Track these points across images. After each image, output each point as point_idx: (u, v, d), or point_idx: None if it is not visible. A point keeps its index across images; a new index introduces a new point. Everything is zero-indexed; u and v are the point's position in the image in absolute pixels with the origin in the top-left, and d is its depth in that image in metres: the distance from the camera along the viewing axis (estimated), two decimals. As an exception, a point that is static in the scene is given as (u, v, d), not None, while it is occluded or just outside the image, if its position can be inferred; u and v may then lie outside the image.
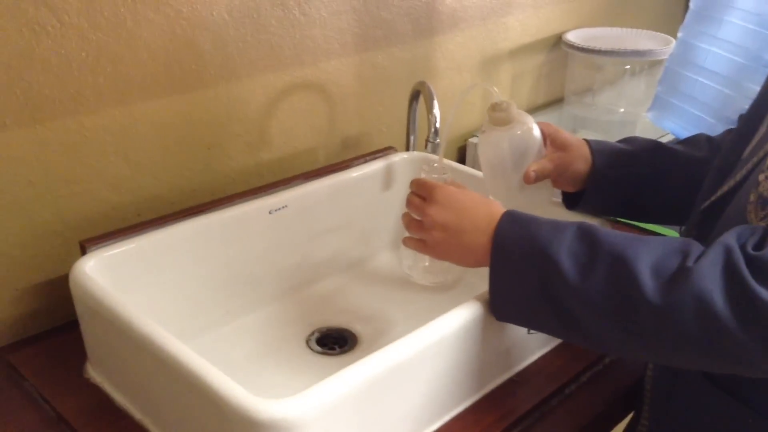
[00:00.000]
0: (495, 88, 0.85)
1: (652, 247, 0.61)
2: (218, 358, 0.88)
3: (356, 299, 1.02)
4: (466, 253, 0.73)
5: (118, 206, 0.94)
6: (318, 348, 0.92)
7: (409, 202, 0.79)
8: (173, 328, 0.71)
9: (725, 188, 0.70)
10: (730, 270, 0.56)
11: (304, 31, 1.06)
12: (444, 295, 0.96)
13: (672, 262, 0.59)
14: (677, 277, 0.58)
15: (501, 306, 0.71)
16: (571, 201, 0.92)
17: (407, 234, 0.80)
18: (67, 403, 0.78)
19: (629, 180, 0.87)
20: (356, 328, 0.96)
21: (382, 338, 0.94)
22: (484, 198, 0.75)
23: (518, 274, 0.67)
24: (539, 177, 0.84)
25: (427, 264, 0.90)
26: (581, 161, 0.87)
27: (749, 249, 0.57)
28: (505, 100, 0.83)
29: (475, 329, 0.73)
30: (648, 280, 0.59)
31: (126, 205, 0.95)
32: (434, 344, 0.70)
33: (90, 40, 0.85)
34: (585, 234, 0.65)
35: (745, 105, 0.79)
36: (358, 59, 1.16)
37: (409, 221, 0.79)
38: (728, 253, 0.57)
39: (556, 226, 0.66)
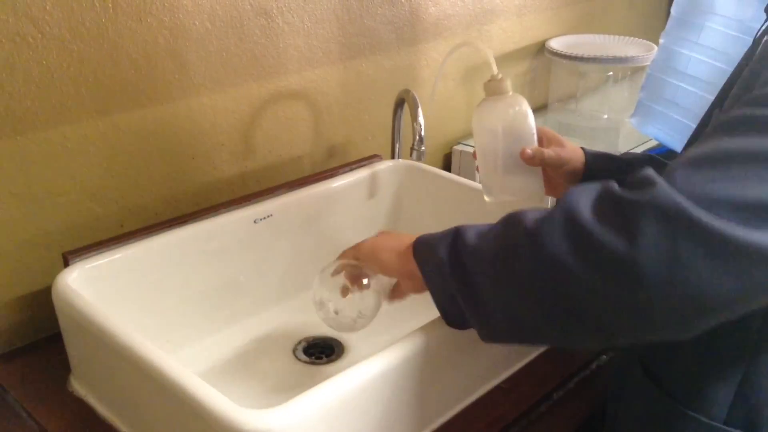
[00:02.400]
0: (487, 48, 0.83)
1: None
2: (204, 369, 0.88)
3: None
4: (393, 243, 0.74)
5: (102, 217, 0.93)
6: (305, 357, 0.92)
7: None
8: (158, 340, 0.71)
9: None
10: (602, 188, 0.57)
11: (287, 40, 1.06)
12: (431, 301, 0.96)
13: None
14: (554, 206, 0.59)
15: (430, 283, 0.69)
16: None
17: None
18: (51, 416, 0.77)
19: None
20: (343, 336, 0.96)
21: (369, 347, 0.93)
22: None
23: (434, 249, 0.67)
24: (535, 159, 0.82)
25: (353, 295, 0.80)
26: (577, 160, 0.87)
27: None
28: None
29: (460, 337, 0.73)
30: (529, 217, 0.59)
31: (109, 216, 0.94)
32: (418, 353, 0.70)
33: (72, 50, 0.84)
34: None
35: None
36: (342, 67, 1.16)
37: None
38: (604, 183, 0.58)
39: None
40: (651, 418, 0.70)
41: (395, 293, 0.77)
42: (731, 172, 0.52)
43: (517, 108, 0.81)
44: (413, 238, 0.71)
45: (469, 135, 1.44)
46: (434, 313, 0.72)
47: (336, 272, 0.79)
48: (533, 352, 0.87)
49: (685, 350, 0.66)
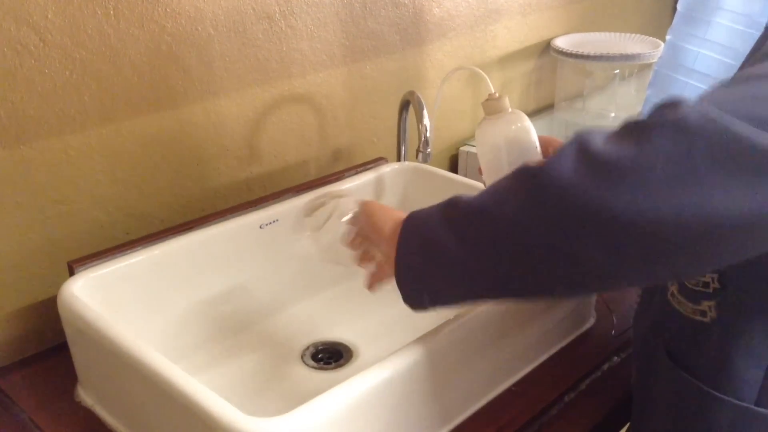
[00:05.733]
0: (481, 72, 0.84)
1: None
2: (211, 377, 0.87)
3: (350, 312, 1.01)
4: (387, 213, 0.71)
5: (107, 225, 0.93)
6: (313, 363, 0.91)
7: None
8: (164, 348, 0.70)
9: None
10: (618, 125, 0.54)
11: (290, 43, 1.06)
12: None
13: None
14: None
15: (408, 263, 0.65)
16: None
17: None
18: (58, 427, 0.77)
19: None
20: (351, 341, 0.95)
21: (378, 351, 0.92)
22: None
23: (426, 219, 0.64)
24: None
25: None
26: None
27: None
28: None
29: (473, 340, 0.73)
30: (535, 162, 0.57)
31: (114, 224, 0.94)
32: (427, 358, 0.69)
33: (74, 58, 0.84)
34: None
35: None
36: (346, 70, 1.15)
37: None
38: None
39: None
40: (681, 403, 0.69)
41: (377, 275, 0.74)
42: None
43: (518, 124, 0.82)
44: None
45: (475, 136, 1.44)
46: (442, 317, 0.72)
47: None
48: (545, 354, 0.86)
49: (711, 333, 0.65)
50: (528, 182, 0.55)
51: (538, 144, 0.83)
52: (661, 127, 0.49)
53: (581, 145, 0.53)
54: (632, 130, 0.51)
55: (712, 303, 0.64)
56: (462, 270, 0.60)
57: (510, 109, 0.82)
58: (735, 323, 0.63)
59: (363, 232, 0.74)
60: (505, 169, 0.83)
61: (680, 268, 0.53)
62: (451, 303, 0.65)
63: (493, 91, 0.82)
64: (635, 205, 0.48)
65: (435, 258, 0.62)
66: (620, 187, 0.49)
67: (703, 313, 0.65)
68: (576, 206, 0.51)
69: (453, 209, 0.62)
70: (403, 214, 0.68)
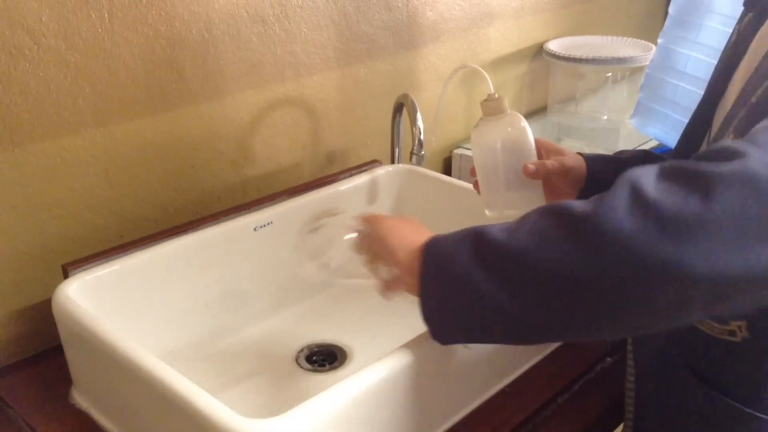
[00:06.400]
0: (484, 71, 0.83)
1: None
2: (206, 379, 0.87)
3: (345, 314, 1.01)
4: (406, 235, 0.68)
5: (101, 228, 0.93)
6: (307, 365, 0.91)
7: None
8: (159, 351, 0.70)
9: None
10: (669, 165, 0.53)
11: (285, 46, 1.06)
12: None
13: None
14: (609, 189, 0.54)
15: (434, 306, 0.64)
16: None
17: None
18: (53, 430, 0.77)
19: None
20: (346, 343, 0.95)
21: (372, 353, 0.93)
22: None
23: (450, 256, 0.62)
24: (538, 173, 0.81)
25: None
26: (581, 166, 0.87)
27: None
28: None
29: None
30: (577, 205, 0.55)
31: (109, 227, 0.94)
32: (423, 359, 0.69)
33: (68, 61, 0.84)
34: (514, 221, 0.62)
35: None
36: (340, 73, 1.16)
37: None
38: (662, 162, 0.55)
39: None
40: (711, 420, 0.68)
41: (391, 286, 0.72)
42: None
43: (516, 125, 0.82)
44: (426, 237, 0.66)
45: (468, 138, 1.44)
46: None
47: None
48: (538, 355, 0.86)
49: (743, 353, 0.64)
50: (574, 228, 0.54)
51: (534, 146, 0.83)
52: (729, 181, 0.49)
53: (634, 191, 0.52)
54: (694, 179, 0.50)
55: (742, 323, 0.63)
56: (502, 315, 0.59)
57: (509, 111, 0.82)
58: (765, 341, 0.62)
59: (372, 250, 0.72)
60: (499, 171, 0.83)
61: (741, 308, 0.54)
62: (486, 342, 0.65)
63: (493, 92, 0.81)
64: (708, 261, 0.49)
65: (468, 301, 0.60)
66: (691, 243, 0.49)
67: (733, 333, 0.64)
68: (642, 260, 0.51)
69: (484, 246, 0.59)
70: (416, 237, 0.66)
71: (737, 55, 0.71)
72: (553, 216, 0.56)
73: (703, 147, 0.70)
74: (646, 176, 0.53)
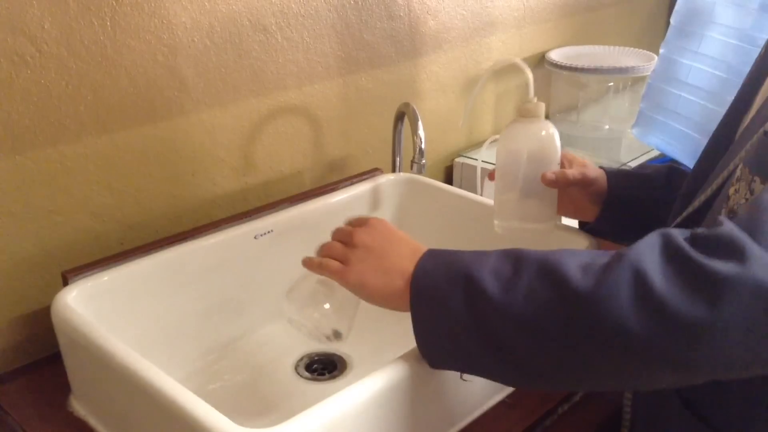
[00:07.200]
0: (529, 71, 0.82)
1: (580, 253, 0.58)
2: (205, 388, 0.87)
3: (345, 323, 1.01)
4: (385, 276, 0.67)
5: (101, 235, 0.93)
6: (307, 374, 0.91)
7: (337, 230, 0.74)
8: (158, 359, 0.70)
9: (696, 204, 0.68)
10: (669, 247, 0.53)
11: (287, 55, 1.06)
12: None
13: (602, 258, 0.55)
14: (609, 264, 0.54)
15: (428, 341, 0.64)
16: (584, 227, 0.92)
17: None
18: (50, 437, 0.77)
19: (643, 202, 0.85)
20: (346, 352, 0.95)
21: (372, 362, 0.92)
22: (412, 240, 0.71)
23: (441, 301, 0.62)
24: (558, 182, 0.82)
25: (327, 306, 0.76)
26: (602, 180, 0.87)
27: (687, 234, 0.54)
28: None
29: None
30: (576, 274, 0.54)
31: (109, 234, 0.94)
32: (422, 369, 0.69)
33: (70, 68, 0.84)
34: (509, 253, 0.61)
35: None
36: (342, 82, 1.16)
37: (329, 247, 0.72)
38: (665, 235, 0.54)
39: (480, 252, 0.63)
40: None
41: (336, 273, 0.70)
42: None
43: (547, 131, 0.82)
44: (410, 268, 0.65)
45: (469, 147, 1.44)
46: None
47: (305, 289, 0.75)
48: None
49: (736, 389, 0.63)
50: (574, 309, 0.54)
51: (559, 157, 0.83)
52: (735, 292, 0.49)
53: (638, 280, 0.52)
54: (701, 278, 0.50)
55: None
56: (498, 371, 0.62)
57: (542, 118, 0.82)
58: (759, 382, 0.61)
59: (351, 242, 0.71)
60: (519, 174, 0.82)
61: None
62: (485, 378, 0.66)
63: (532, 95, 0.81)
64: (711, 360, 0.51)
65: (463, 356, 0.63)
66: (695, 345, 0.50)
67: None
68: (645, 356, 0.52)
69: (480, 302, 0.59)
70: (407, 264, 0.65)
71: (763, 70, 0.70)
72: (551, 284, 0.56)
73: (718, 166, 0.69)
74: (651, 262, 0.52)
